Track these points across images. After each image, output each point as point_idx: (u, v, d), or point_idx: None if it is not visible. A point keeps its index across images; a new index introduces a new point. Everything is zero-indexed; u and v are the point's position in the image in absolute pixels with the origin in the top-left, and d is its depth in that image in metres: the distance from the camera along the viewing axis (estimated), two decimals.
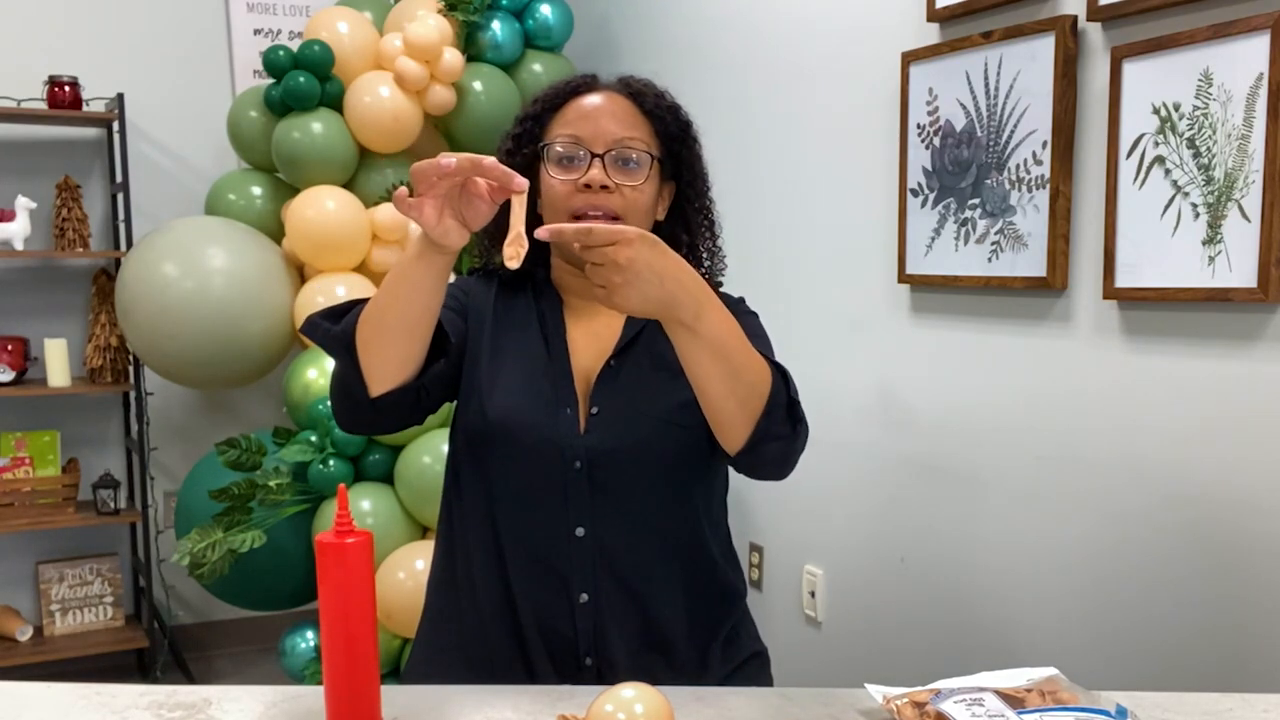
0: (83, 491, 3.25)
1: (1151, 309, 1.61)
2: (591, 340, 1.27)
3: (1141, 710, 1.03)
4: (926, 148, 1.98)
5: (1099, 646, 1.72)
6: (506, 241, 1.02)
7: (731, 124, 2.55)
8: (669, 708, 0.92)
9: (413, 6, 2.85)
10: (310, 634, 2.73)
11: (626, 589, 1.23)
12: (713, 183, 1.34)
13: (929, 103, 1.96)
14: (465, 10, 2.82)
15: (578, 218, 1.21)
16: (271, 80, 2.79)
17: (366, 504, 2.50)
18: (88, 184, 3.25)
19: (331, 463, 2.49)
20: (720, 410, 1.10)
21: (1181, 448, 1.58)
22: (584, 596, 1.21)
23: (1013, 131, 1.79)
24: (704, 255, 1.32)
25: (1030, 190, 1.77)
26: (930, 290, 2.02)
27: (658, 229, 1.29)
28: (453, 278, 1.33)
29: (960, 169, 1.91)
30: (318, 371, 2.66)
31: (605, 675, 1.21)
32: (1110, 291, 1.64)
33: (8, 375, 3.04)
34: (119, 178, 3.15)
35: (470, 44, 2.89)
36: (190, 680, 3.22)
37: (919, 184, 2.00)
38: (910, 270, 2.03)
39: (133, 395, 3.20)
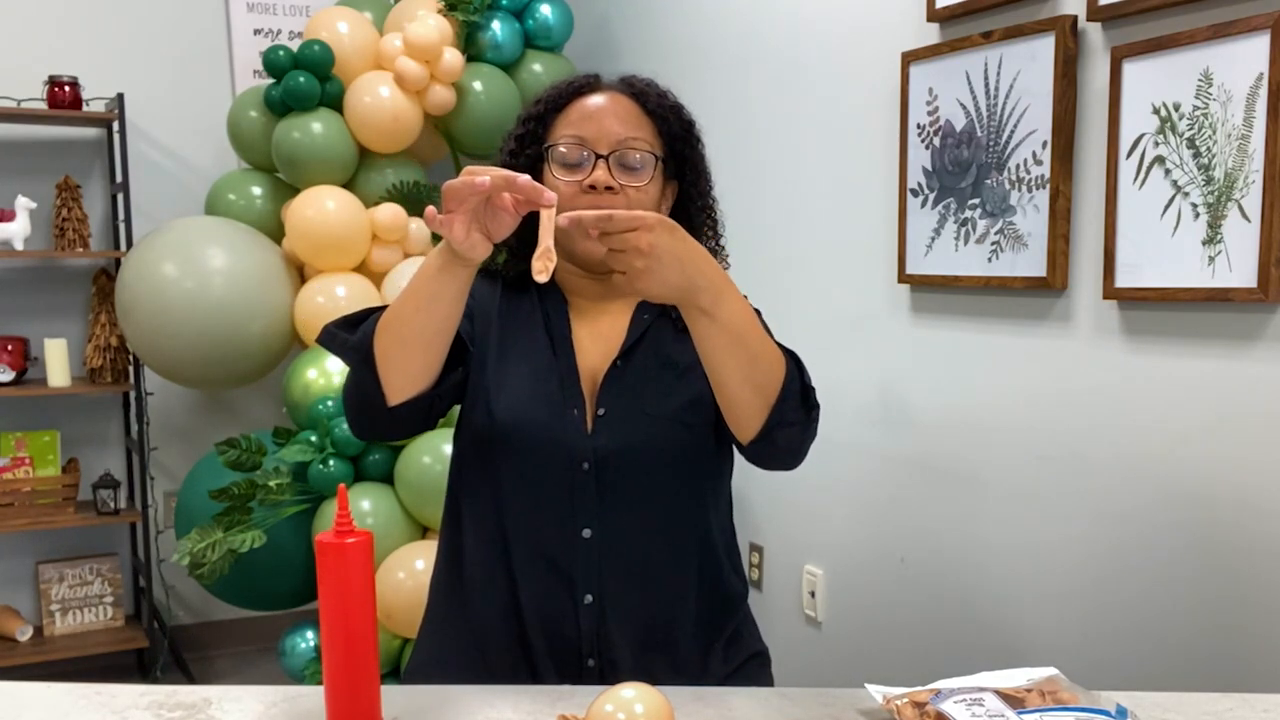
0: (83, 491, 3.25)
1: (1151, 309, 1.61)
2: (597, 341, 1.27)
3: (1141, 710, 1.03)
4: (926, 148, 1.98)
5: (1099, 646, 1.72)
6: (535, 255, 1.02)
7: (731, 124, 2.55)
8: (669, 708, 0.92)
9: (413, 6, 2.85)
10: (310, 634, 2.73)
11: (631, 590, 1.23)
12: (713, 182, 1.34)
13: (929, 103, 1.96)
14: (465, 10, 2.82)
15: None
16: (271, 80, 2.79)
17: (366, 504, 2.50)
18: (88, 184, 3.25)
19: (331, 463, 2.49)
20: (736, 397, 1.10)
21: (1181, 448, 1.58)
22: (589, 597, 1.21)
23: (1013, 131, 1.79)
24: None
25: (1030, 190, 1.77)
26: (930, 290, 2.02)
27: None
28: None
29: (960, 169, 1.91)
30: (318, 371, 2.66)
31: (607, 676, 1.21)
32: (1110, 291, 1.64)
33: (8, 375, 3.04)
34: (119, 178, 3.15)
35: (470, 44, 2.89)
36: (190, 680, 3.22)
37: (919, 184, 2.00)
38: (910, 270, 2.03)
39: (133, 395, 3.20)
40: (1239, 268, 1.46)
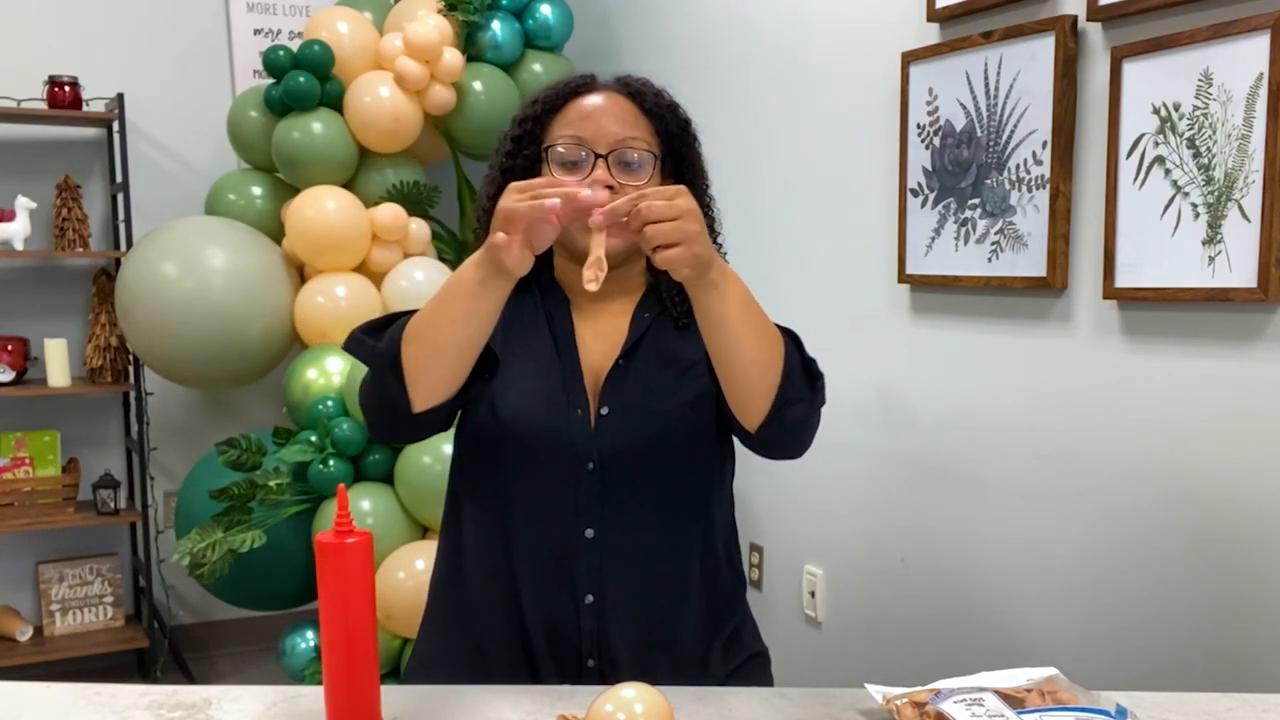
0: (83, 491, 3.25)
1: (1151, 309, 1.61)
2: (599, 340, 1.27)
3: (1141, 710, 1.03)
4: (926, 148, 1.97)
5: (1099, 646, 1.72)
6: (586, 264, 1.04)
7: (731, 124, 2.55)
8: (669, 708, 0.92)
9: (413, 6, 2.85)
10: (310, 634, 2.73)
11: (633, 589, 1.23)
12: (712, 182, 1.34)
13: (929, 103, 1.96)
14: (465, 10, 2.82)
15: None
16: (271, 80, 2.79)
17: (366, 504, 2.50)
18: (88, 184, 3.25)
19: (331, 463, 2.49)
20: (745, 375, 1.11)
21: (1181, 448, 1.58)
22: (590, 597, 1.21)
23: (1013, 131, 1.79)
24: None
25: (1030, 190, 1.77)
26: (930, 290, 2.02)
27: None
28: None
29: (960, 169, 1.91)
30: (318, 371, 2.66)
31: (607, 676, 1.21)
32: (1110, 291, 1.64)
33: (8, 375, 3.04)
34: (119, 178, 3.15)
35: (470, 44, 2.89)
36: (190, 680, 3.22)
37: (919, 184, 2.00)
38: (910, 270, 2.03)
39: (133, 395, 3.20)
40: (1239, 268, 1.46)
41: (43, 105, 3.05)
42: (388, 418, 1.16)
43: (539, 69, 2.97)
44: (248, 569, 2.51)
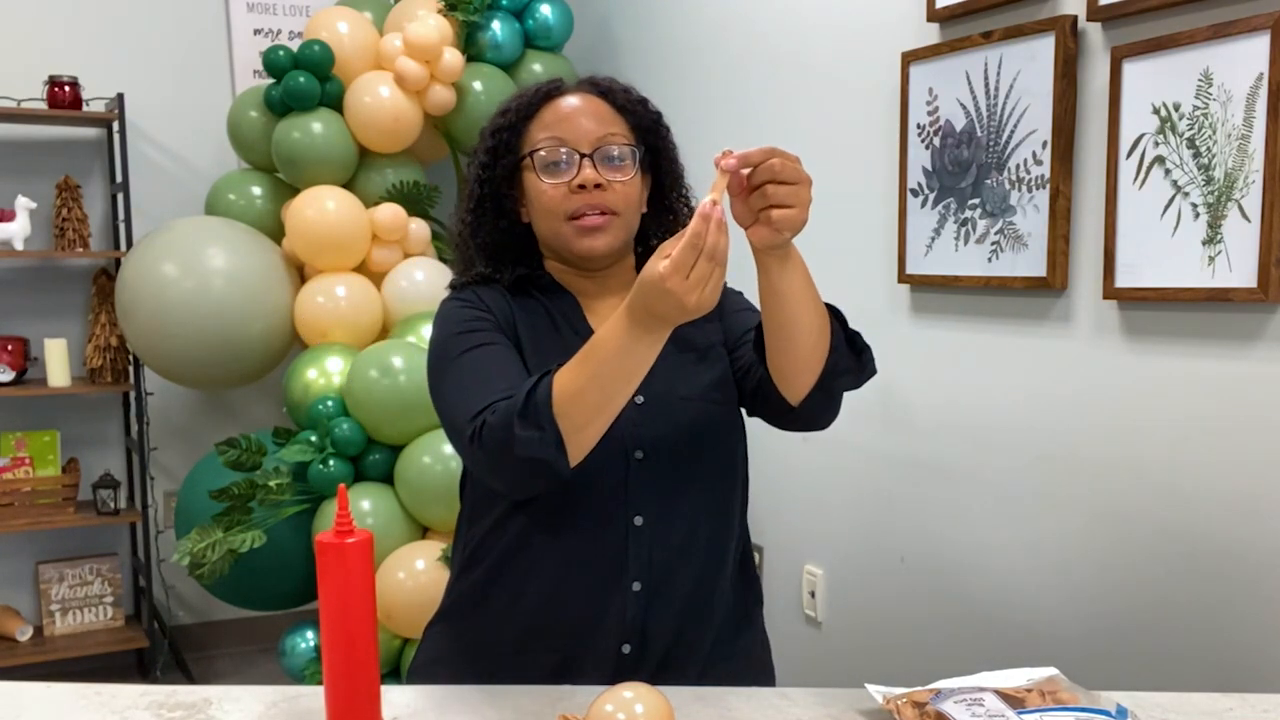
0: (83, 491, 3.25)
1: (1151, 309, 1.61)
2: None
3: (1141, 710, 1.04)
4: (926, 148, 1.97)
5: (1099, 646, 1.72)
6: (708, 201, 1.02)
7: (731, 124, 2.55)
8: (669, 708, 0.92)
9: (413, 6, 2.85)
10: (310, 634, 2.73)
11: (678, 573, 1.24)
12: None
13: (929, 103, 1.96)
14: (465, 10, 2.82)
15: (575, 219, 1.21)
16: (271, 80, 2.79)
17: (366, 504, 2.50)
18: (88, 184, 3.25)
19: (331, 463, 2.49)
20: (803, 347, 1.15)
21: (1181, 448, 1.58)
22: (637, 585, 1.22)
23: (1013, 131, 1.79)
24: None
25: (1030, 190, 1.77)
26: (930, 290, 2.02)
27: (643, 220, 1.30)
28: (447, 290, 1.33)
29: (960, 169, 1.91)
30: (318, 371, 2.66)
31: (642, 662, 1.22)
32: (1110, 291, 1.64)
33: (8, 375, 3.04)
34: (119, 178, 3.15)
35: (470, 44, 2.89)
36: (190, 680, 3.22)
37: (919, 184, 2.00)
38: (910, 270, 2.03)
39: (133, 395, 3.20)
40: (1239, 268, 1.46)
41: (43, 105, 3.06)
42: (539, 482, 1.13)
43: (539, 69, 2.97)
44: (248, 569, 2.51)
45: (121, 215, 3.19)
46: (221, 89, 3.36)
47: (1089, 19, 1.66)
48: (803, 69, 2.33)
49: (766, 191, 1.04)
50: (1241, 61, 1.45)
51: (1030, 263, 1.77)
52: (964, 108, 1.89)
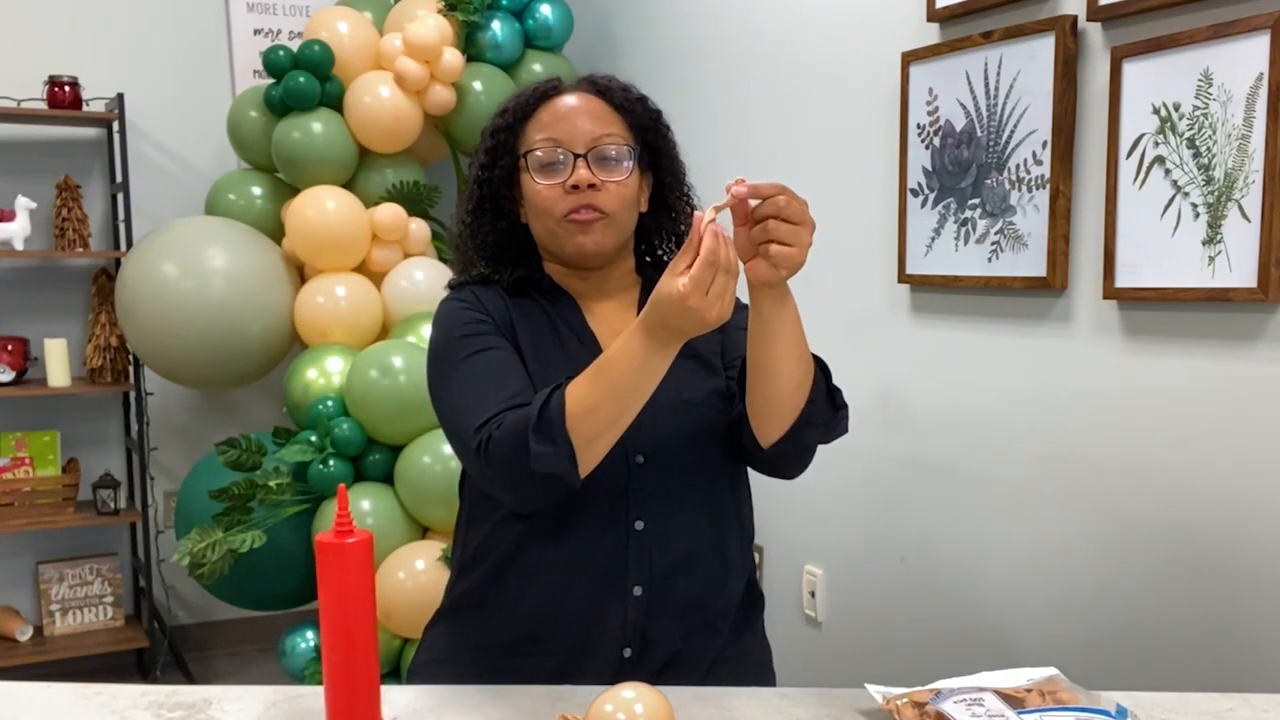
0: (83, 491, 3.25)
1: (1151, 309, 1.61)
2: (615, 336, 1.26)
3: (1141, 710, 1.03)
4: (926, 148, 1.98)
5: (1099, 646, 1.72)
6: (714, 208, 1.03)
7: (731, 124, 2.55)
8: (669, 708, 0.92)
9: (413, 6, 2.85)
10: (310, 634, 2.73)
11: (679, 577, 1.24)
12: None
13: (929, 103, 1.96)
14: (465, 10, 2.82)
15: (569, 219, 1.21)
16: (271, 80, 2.79)
17: (366, 504, 2.49)
18: (88, 184, 3.25)
19: (331, 463, 2.49)
20: (779, 391, 1.14)
21: (1181, 448, 1.58)
22: (638, 589, 1.22)
23: (1013, 131, 1.79)
24: None
25: (1030, 190, 1.77)
26: (930, 290, 2.02)
27: (642, 219, 1.30)
28: (445, 291, 1.33)
29: (960, 169, 1.91)
30: (318, 372, 2.66)
31: (642, 665, 1.22)
32: (1110, 291, 1.64)
33: (8, 375, 3.04)
34: (119, 178, 3.15)
35: (470, 44, 2.89)
36: (190, 680, 3.22)
37: (919, 184, 2.00)
38: (910, 270, 2.03)
39: (133, 395, 3.20)
40: (1239, 268, 1.46)
41: (43, 105, 3.06)
42: (552, 492, 1.13)
43: (539, 69, 2.97)
44: (248, 569, 2.51)
45: (121, 215, 3.19)
46: (221, 89, 3.36)
47: (1089, 19, 1.66)
48: (803, 69, 2.33)
49: (769, 226, 1.04)
50: (1241, 61, 1.45)
51: (1030, 263, 1.77)
52: (964, 108, 1.89)
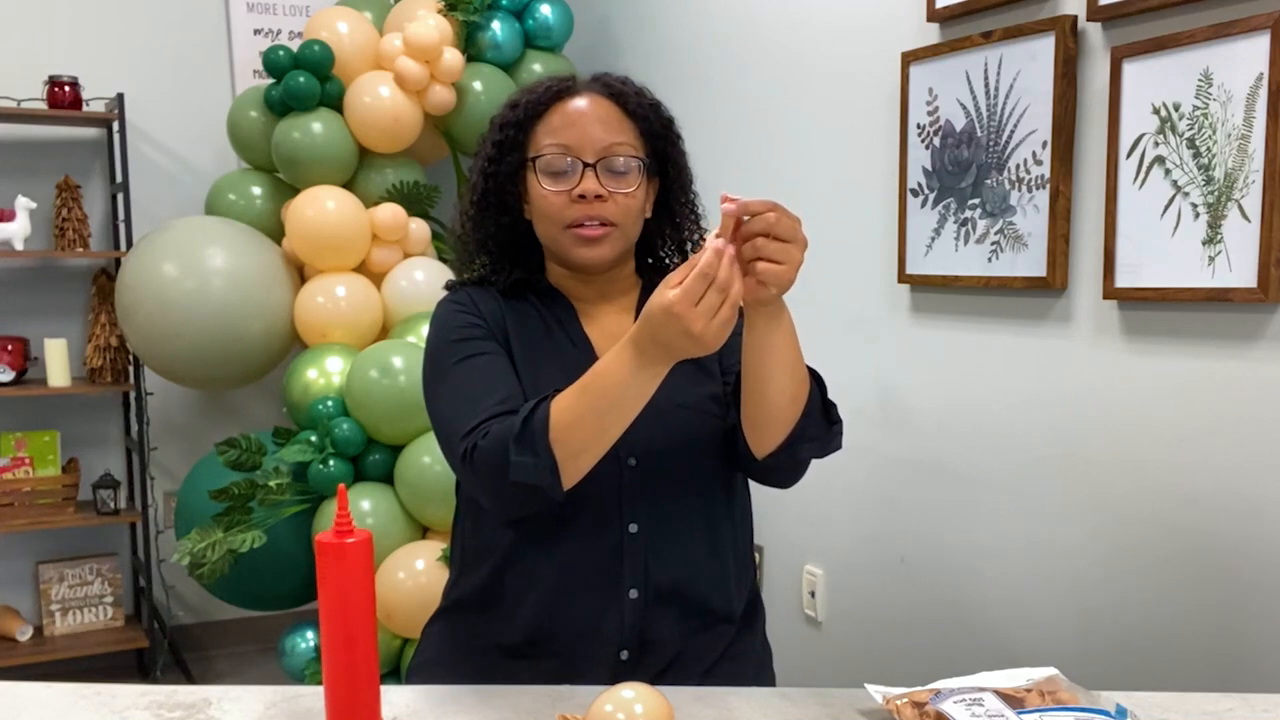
0: (83, 491, 3.25)
1: (1151, 309, 1.61)
2: (609, 339, 1.27)
3: (1141, 710, 1.03)
4: (926, 148, 1.97)
5: (1099, 646, 1.72)
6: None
7: (731, 124, 2.55)
8: (669, 708, 0.92)
9: (413, 6, 2.85)
10: (310, 634, 2.73)
11: (675, 579, 1.24)
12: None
13: (929, 103, 1.96)
14: (465, 10, 2.82)
15: (573, 227, 1.21)
16: (271, 80, 2.79)
17: (366, 504, 2.49)
18: (88, 184, 3.25)
19: (331, 463, 2.49)
20: (774, 405, 1.14)
21: (1181, 448, 1.58)
22: (634, 592, 1.22)
23: (1013, 131, 1.79)
24: (690, 250, 1.33)
25: (1030, 190, 1.77)
26: (930, 290, 2.02)
27: (646, 226, 1.30)
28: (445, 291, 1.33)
29: (960, 169, 1.91)
30: (318, 372, 2.66)
31: (640, 667, 1.22)
32: (1110, 291, 1.64)
33: (8, 375, 3.04)
34: (119, 178, 3.15)
35: (470, 44, 2.89)
36: (190, 680, 3.22)
37: (919, 184, 2.00)
38: (910, 270, 2.03)
39: (133, 395, 3.20)
40: (1239, 268, 1.46)
41: (43, 105, 3.05)
42: (530, 503, 1.13)
43: (539, 69, 2.97)
44: (248, 569, 2.51)
45: (121, 215, 3.19)
46: (221, 89, 3.36)
47: (1089, 19, 1.66)
48: (803, 69, 2.33)
49: (758, 244, 1.03)
50: (1241, 61, 1.45)
51: (1030, 263, 1.77)
52: (964, 108, 1.89)
